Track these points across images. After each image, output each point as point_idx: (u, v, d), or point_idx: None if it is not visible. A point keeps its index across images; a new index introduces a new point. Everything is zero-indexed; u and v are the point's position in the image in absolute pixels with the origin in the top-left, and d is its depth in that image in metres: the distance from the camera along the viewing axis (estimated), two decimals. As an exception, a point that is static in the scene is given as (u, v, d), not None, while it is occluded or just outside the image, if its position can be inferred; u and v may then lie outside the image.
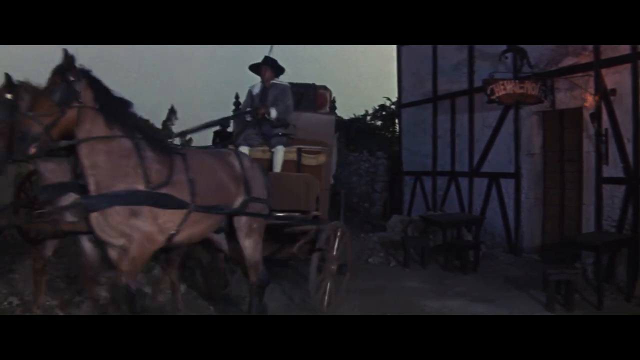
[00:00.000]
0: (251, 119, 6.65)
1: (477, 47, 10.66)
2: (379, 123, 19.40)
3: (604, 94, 8.00)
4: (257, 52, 6.96)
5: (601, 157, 8.04)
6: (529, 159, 9.80)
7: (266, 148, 6.62)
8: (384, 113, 19.20)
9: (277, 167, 6.51)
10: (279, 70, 6.82)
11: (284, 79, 6.90)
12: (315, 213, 6.46)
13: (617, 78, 7.82)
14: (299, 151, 6.63)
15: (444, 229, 9.35)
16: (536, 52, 9.13)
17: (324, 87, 8.31)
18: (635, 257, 7.34)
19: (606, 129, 7.96)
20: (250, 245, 5.20)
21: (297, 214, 6.15)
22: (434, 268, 9.03)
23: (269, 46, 6.62)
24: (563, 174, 9.33)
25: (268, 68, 6.72)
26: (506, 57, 9.47)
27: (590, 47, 8.19)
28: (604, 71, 8.01)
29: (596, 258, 7.38)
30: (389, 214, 13.27)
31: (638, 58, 7.46)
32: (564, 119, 9.27)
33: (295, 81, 7.63)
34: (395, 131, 17.77)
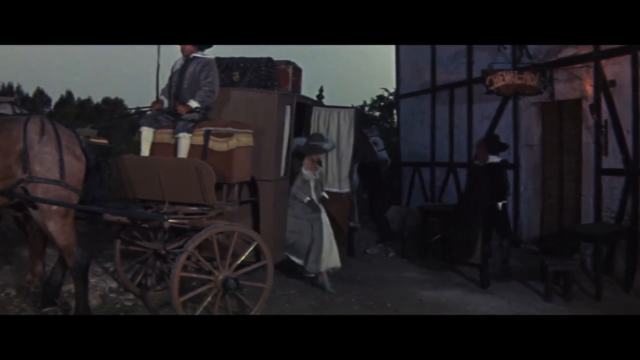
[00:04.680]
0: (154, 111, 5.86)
1: (476, 37, 10.60)
2: (377, 114, 19.35)
3: (604, 85, 7.96)
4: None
5: (600, 149, 8.01)
6: (527, 150, 9.77)
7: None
8: (382, 104, 19.14)
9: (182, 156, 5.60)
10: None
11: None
12: (217, 210, 5.54)
13: (617, 69, 7.79)
14: (207, 134, 5.54)
15: (442, 219, 9.33)
16: (535, 43, 9.10)
17: (286, 62, 7.14)
18: (634, 249, 7.36)
19: (606, 120, 7.93)
20: (55, 229, 4.71)
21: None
22: (432, 259, 9.02)
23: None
24: (562, 165, 9.32)
25: None
26: (505, 48, 9.49)
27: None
28: (603, 62, 7.96)
29: (595, 249, 7.40)
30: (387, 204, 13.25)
31: (637, 49, 7.41)
32: (563, 110, 9.25)
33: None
34: (393, 122, 17.72)
